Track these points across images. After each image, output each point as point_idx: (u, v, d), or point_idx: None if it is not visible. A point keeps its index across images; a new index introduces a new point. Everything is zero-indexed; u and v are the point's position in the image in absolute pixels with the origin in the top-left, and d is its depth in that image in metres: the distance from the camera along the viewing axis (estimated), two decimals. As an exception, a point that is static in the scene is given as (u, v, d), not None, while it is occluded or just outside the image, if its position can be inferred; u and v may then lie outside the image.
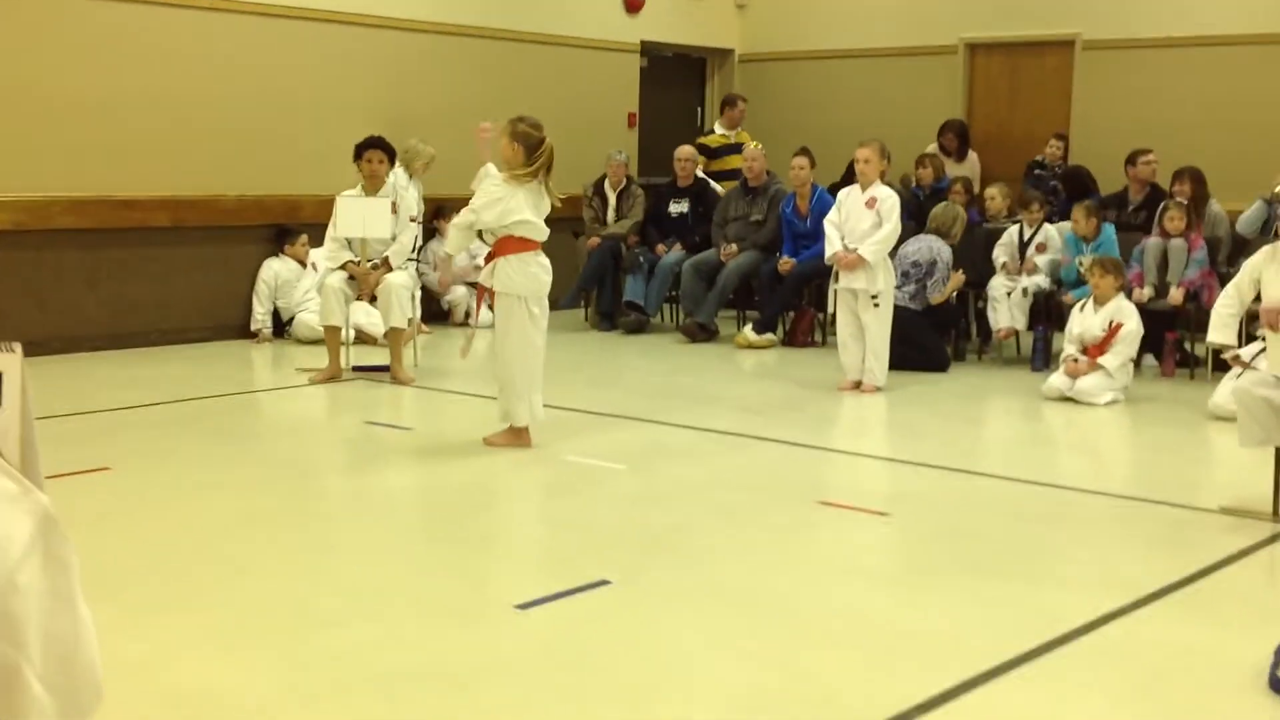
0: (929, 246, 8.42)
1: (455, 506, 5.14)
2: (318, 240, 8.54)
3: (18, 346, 1.70)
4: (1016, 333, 8.62)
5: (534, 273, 5.92)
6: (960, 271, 8.45)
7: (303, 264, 9.43)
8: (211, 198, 9.17)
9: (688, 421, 6.63)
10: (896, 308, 7.67)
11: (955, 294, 8.50)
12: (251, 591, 4.03)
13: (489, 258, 6.05)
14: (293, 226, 9.48)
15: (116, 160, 8.66)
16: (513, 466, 5.75)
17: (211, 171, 9.14)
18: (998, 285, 8.65)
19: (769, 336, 9.40)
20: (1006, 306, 8.56)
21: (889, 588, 4.21)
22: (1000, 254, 8.79)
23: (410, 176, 9.39)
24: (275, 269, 9.38)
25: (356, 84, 9.83)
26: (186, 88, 8.94)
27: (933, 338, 8.40)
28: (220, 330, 9.27)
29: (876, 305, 7.44)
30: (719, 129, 11.19)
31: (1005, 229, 9.00)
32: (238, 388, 7.70)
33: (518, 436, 6.00)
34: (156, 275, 9.01)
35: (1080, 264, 8.23)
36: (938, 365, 8.29)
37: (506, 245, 5.89)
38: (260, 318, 9.32)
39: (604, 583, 4.12)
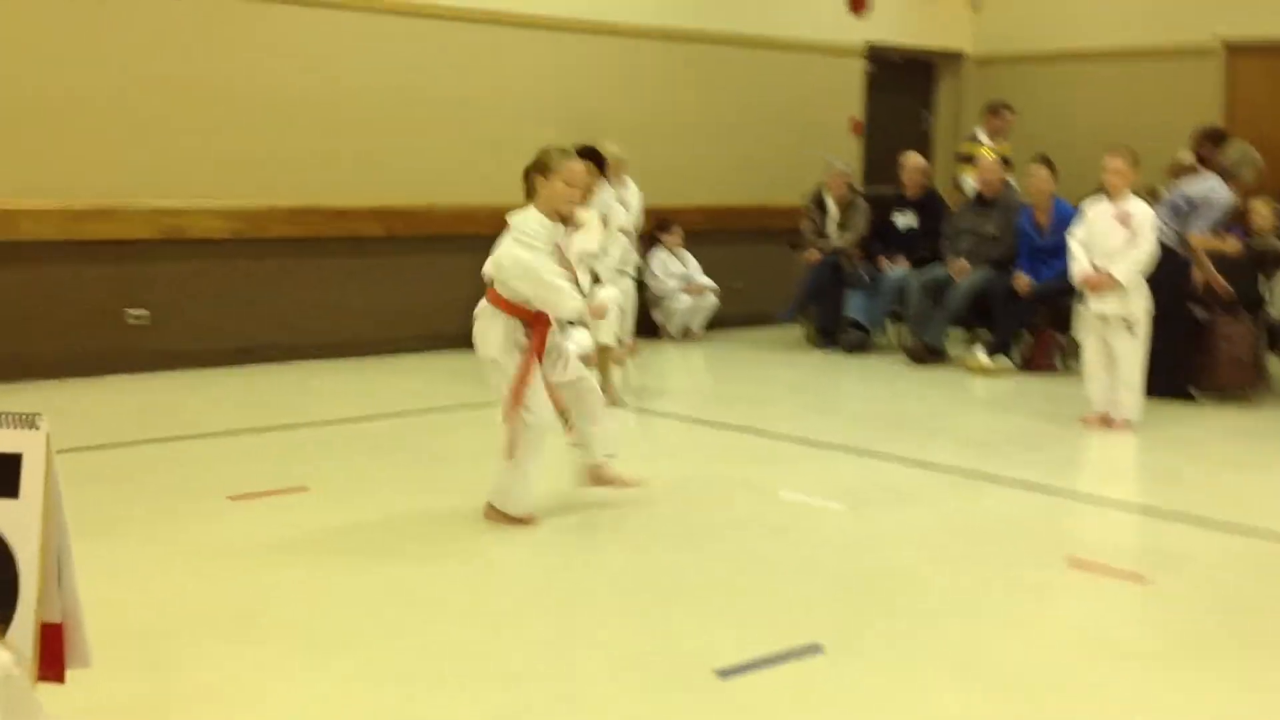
0: (1210, 186, 7.63)
1: (654, 545, 4.74)
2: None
3: (43, 422, 1.34)
4: None
5: None
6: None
7: None
8: (424, 208, 9.06)
9: (912, 455, 6.08)
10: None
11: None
12: (430, 637, 3.71)
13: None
14: None
15: (331, 169, 8.61)
16: (720, 502, 5.32)
17: (424, 181, 9.03)
18: None
19: (1003, 360, 8.71)
20: None
21: (1148, 669, 3.60)
22: None
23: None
24: None
25: (569, 92, 9.60)
26: (399, 96, 8.86)
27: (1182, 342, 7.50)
28: (433, 341, 9.14)
29: (1130, 331, 6.73)
30: (981, 137, 10.45)
31: (1274, 248, 8.08)
32: (444, 402, 7.50)
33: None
34: (370, 285, 8.94)
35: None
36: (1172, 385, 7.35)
37: None
38: None
39: (815, 648, 3.65)
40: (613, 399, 7.34)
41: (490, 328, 4.84)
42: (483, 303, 4.90)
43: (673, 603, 4.07)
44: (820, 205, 9.99)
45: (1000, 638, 3.80)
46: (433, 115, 9.02)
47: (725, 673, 3.46)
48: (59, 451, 5.55)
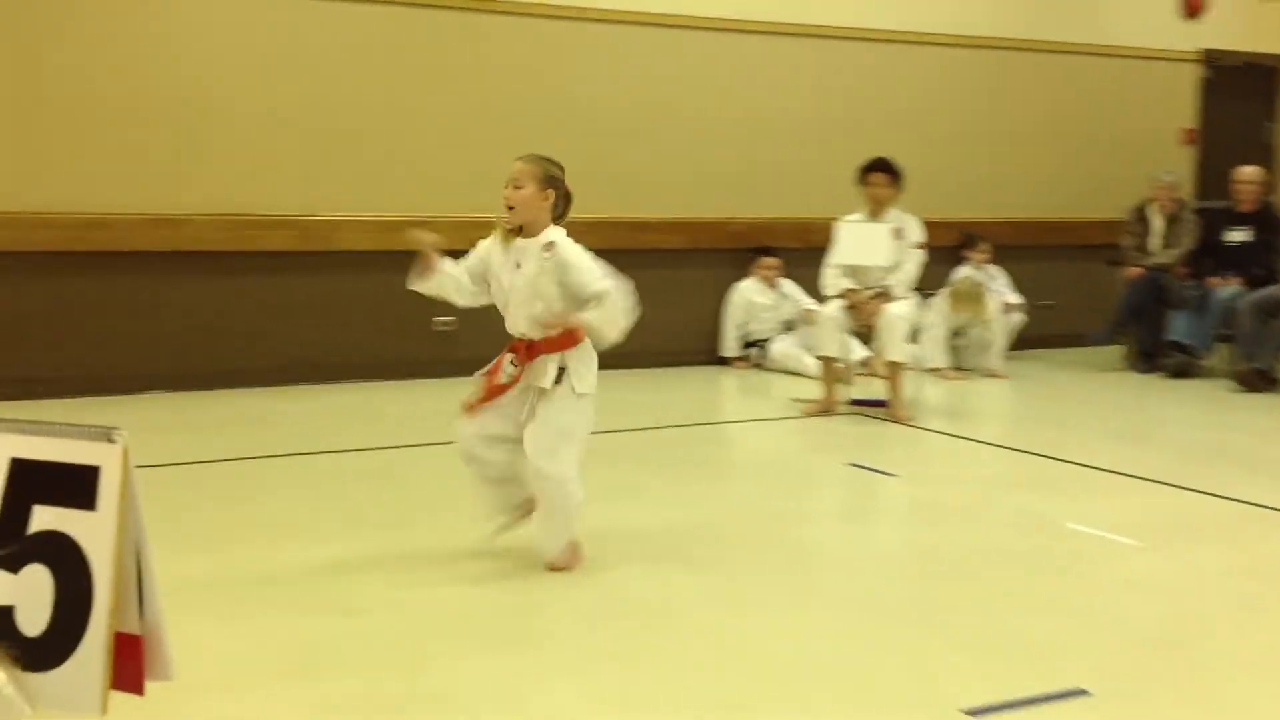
0: None
1: (919, 571, 4.51)
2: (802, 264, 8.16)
3: (121, 435, 1.33)
4: None
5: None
6: None
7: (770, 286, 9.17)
8: (721, 221, 9.06)
9: (1229, 491, 5.55)
10: None
11: None
12: (667, 653, 3.62)
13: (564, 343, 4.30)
14: (770, 247, 9.18)
15: (629, 181, 8.74)
16: (1002, 530, 5.00)
17: (721, 194, 9.04)
18: None
19: (1346, 389, 7.91)
20: None
21: None
22: None
23: None
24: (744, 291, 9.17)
25: (872, 102, 9.40)
26: (696, 110, 8.90)
27: None
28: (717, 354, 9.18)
29: None
30: None
31: None
32: (728, 416, 7.48)
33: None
34: (666, 297, 9.00)
35: None
36: None
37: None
38: (734, 342, 9.14)
39: (1080, 692, 3.35)
40: (903, 416, 7.11)
41: None
42: None
43: (929, 634, 3.83)
44: (1142, 219, 9.38)
45: (1298, 697, 3.39)
46: (731, 129, 9.01)
47: (973, 712, 3.22)
48: (369, 450, 5.79)
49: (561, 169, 4.33)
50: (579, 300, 4.25)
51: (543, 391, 4.22)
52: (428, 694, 3.30)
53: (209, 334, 7.77)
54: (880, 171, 7.27)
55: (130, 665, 1.35)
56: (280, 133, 7.82)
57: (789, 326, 9.09)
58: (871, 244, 7.17)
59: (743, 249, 9.17)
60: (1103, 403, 8.11)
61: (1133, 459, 6.20)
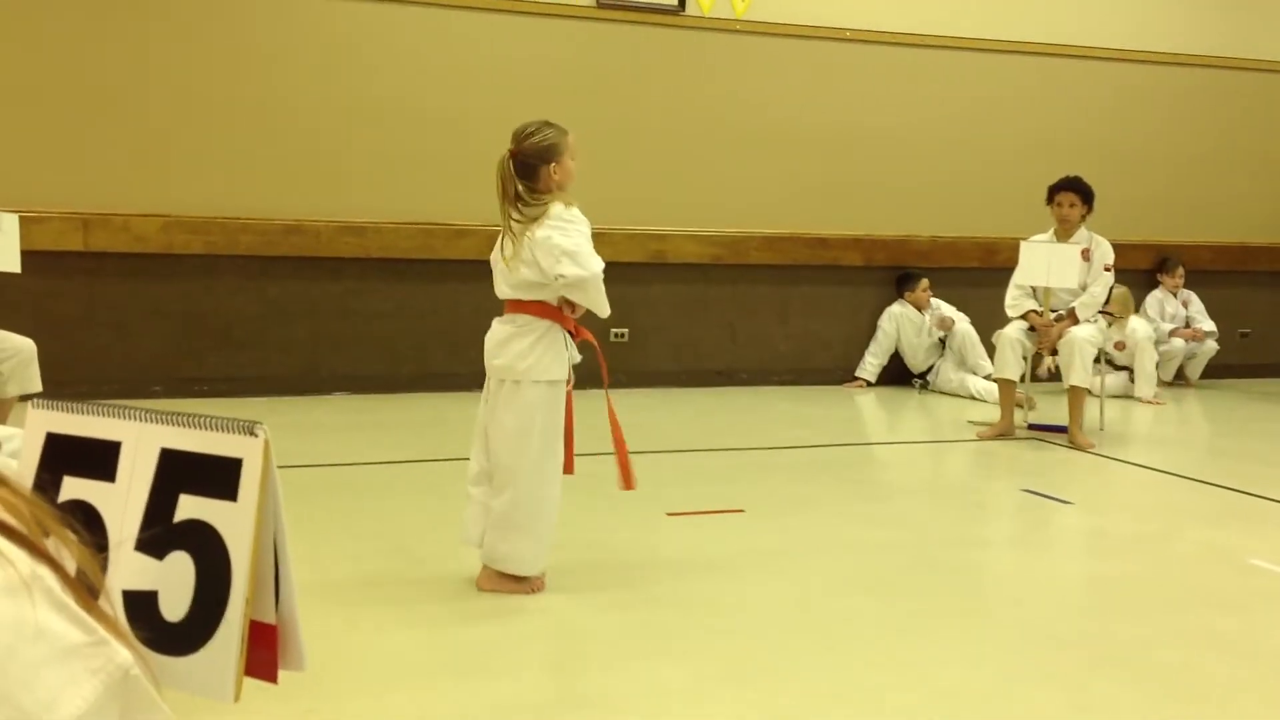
0: None
1: (1085, 603, 4.37)
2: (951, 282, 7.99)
3: (262, 430, 1.40)
4: None
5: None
6: None
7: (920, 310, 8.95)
8: (901, 238, 8.96)
9: None
10: None
11: None
12: (824, 672, 3.60)
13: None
14: (914, 271, 8.99)
15: (810, 199, 8.72)
16: (1173, 563, 4.82)
17: (901, 212, 8.94)
18: None
19: None
20: None
21: None
22: None
23: None
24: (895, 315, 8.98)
25: (1063, 119, 9.16)
26: (881, 126, 8.83)
27: None
28: (897, 374, 9.04)
29: None
30: None
31: None
32: (900, 436, 7.37)
33: (519, 584, 4.21)
34: (844, 314, 8.96)
35: None
36: None
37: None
38: (871, 366, 8.95)
39: (1250, 738, 3.21)
40: (1083, 443, 6.92)
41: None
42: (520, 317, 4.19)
43: (1093, 666, 3.72)
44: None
45: None
46: (914, 146, 8.91)
47: (1134, 751, 3.12)
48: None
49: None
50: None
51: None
52: (578, 698, 3.36)
53: (392, 339, 8.05)
54: (1070, 190, 7.09)
55: (265, 653, 1.42)
56: (469, 144, 8.05)
57: (942, 344, 8.88)
58: (1058, 265, 6.99)
59: (929, 268, 9.05)
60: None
61: (1329, 496, 5.91)
